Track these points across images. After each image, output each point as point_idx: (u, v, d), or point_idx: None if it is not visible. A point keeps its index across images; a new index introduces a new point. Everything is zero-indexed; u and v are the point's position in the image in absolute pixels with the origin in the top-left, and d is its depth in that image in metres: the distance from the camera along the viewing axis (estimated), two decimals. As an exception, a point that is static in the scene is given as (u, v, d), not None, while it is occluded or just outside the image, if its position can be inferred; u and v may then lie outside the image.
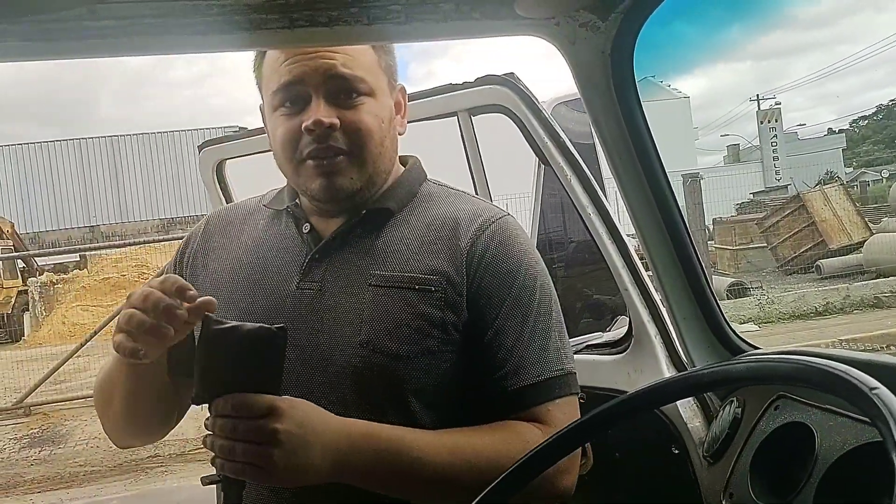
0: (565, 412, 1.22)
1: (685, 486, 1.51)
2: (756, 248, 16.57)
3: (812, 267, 14.73)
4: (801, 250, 15.38)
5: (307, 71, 1.23)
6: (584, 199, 1.69)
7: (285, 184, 1.41)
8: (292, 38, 1.17)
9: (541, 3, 1.20)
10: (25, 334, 18.37)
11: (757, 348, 1.48)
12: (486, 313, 1.23)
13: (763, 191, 24.79)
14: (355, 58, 1.25)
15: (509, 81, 1.72)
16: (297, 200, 1.35)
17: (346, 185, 1.24)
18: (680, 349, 1.58)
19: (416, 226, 1.29)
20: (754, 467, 1.19)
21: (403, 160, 1.39)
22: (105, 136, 31.87)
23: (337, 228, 1.29)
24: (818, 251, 15.13)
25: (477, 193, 1.96)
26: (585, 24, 1.28)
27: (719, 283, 13.06)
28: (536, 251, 1.33)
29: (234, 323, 1.02)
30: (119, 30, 1.10)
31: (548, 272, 1.33)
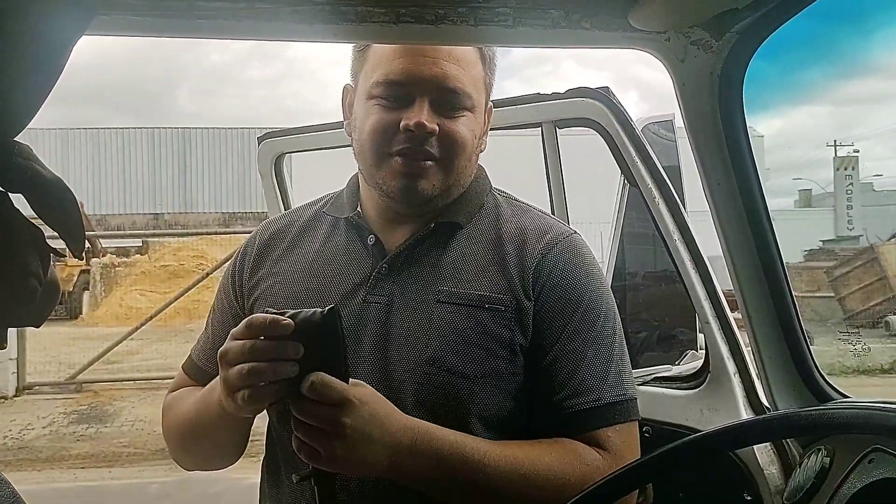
0: (625, 438, 1.19)
1: (755, 535, 1.44)
2: (823, 297, 16.08)
3: (880, 322, 14.23)
4: (870, 304, 14.87)
5: (421, 76, 1.21)
6: (670, 224, 1.63)
7: (342, 189, 1.40)
8: (397, 33, 1.16)
9: (655, 17, 1.16)
10: (83, 313, 18.86)
11: (847, 397, 1.40)
12: (549, 334, 1.20)
13: (834, 239, 24.09)
14: (466, 72, 1.24)
15: (603, 95, 1.68)
16: (358, 210, 1.33)
17: (427, 189, 1.23)
18: (761, 390, 1.51)
19: (484, 241, 1.27)
20: (842, 523, 1.12)
21: None
22: (177, 128, 32.72)
23: (404, 241, 1.27)
24: (888, 306, 14.61)
25: (554, 211, 1.92)
26: (697, 41, 1.24)
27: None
28: (602, 271, 1.30)
29: (289, 312, 1.01)
30: (230, 12, 1.10)
31: (612, 294, 1.30)
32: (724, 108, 1.29)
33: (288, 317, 1.00)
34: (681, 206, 1.64)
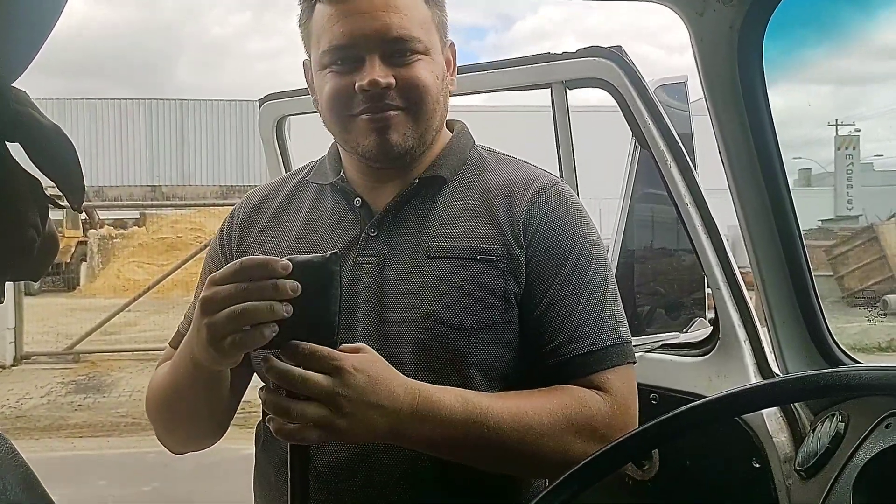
0: (623, 381, 1.18)
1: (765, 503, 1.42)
2: (822, 276, 16.11)
3: (878, 301, 14.27)
4: (869, 283, 14.90)
5: (363, 33, 1.17)
6: (682, 187, 1.59)
7: (324, 156, 1.37)
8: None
9: (675, -34, 1.12)
10: (80, 284, 18.84)
11: (858, 362, 1.37)
12: (542, 281, 1.19)
13: (833, 219, 24.03)
14: (410, 16, 1.19)
15: (615, 55, 1.63)
16: (342, 174, 1.30)
17: (399, 141, 1.20)
18: (772, 356, 1.48)
19: (470, 194, 1.25)
20: (857, 488, 1.10)
21: (450, 125, 1.35)
22: (175, 99, 32.49)
23: (390, 201, 1.25)
24: (886, 286, 14.64)
25: (563, 175, 1.88)
26: (717, -6, 1.20)
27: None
28: (591, 219, 1.28)
29: (286, 257, 0.97)
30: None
31: (602, 241, 1.29)
32: (744, 65, 1.26)
33: (286, 259, 0.97)
34: (693, 169, 1.61)
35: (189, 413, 1.26)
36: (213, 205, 17.85)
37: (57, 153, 0.87)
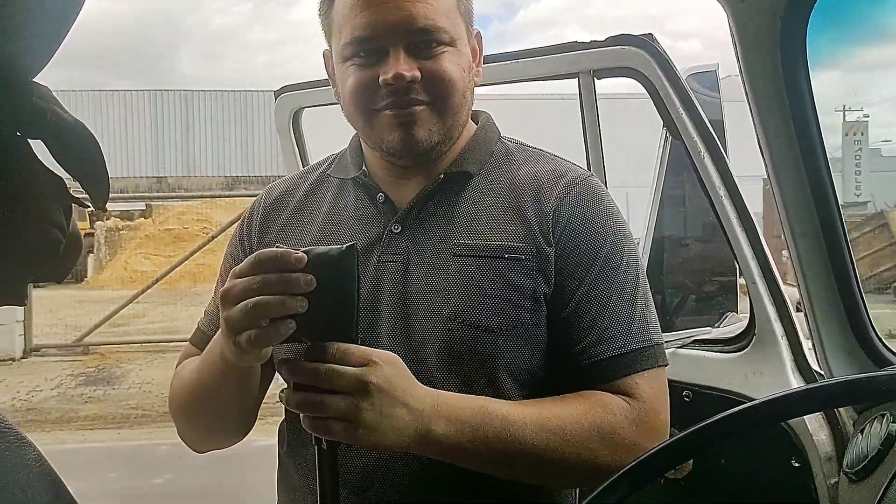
0: (653, 385, 1.14)
1: None
2: (829, 262, 16.03)
3: (888, 288, 14.21)
4: (879, 270, 14.84)
5: (387, 24, 1.12)
6: (715, 178, 1.55)
7: (345, 149, 1.33)
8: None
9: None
10: (88, 276, 18.87)
11: (903, 357, 1.33)
12: (570, 281, 1.15)
13: (842, 205, 23.91)
14: (435, 5, 1.14)
15: (647, 43, 1.58)
16: (364, 169, 1.26)
17: (425, 137, 1.15)
18: (812, 353, 1.44)
19: (497, 189, 1.21)
20: (914, 492, 1.05)
21: (474, 116, 1.29)
22: (179, 90, 32.41)
23: (414, 196, 1.21)
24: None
25: (590, 167, 1.84)
26: (761, -22, 1.15)
27: (789, 294, 12.68)
28: (622, 214, 1.23)
29: (304, 248, 0.94)
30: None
31: (633, 238, 1.24)
32: (786, 53, 1.21)
33: (302, 251, 0.93)
34: (727, 159, 1.56)
35: (217, 411, 1.22)
36: (220, 196, 17.84)
37: (81, 150, 0.84)
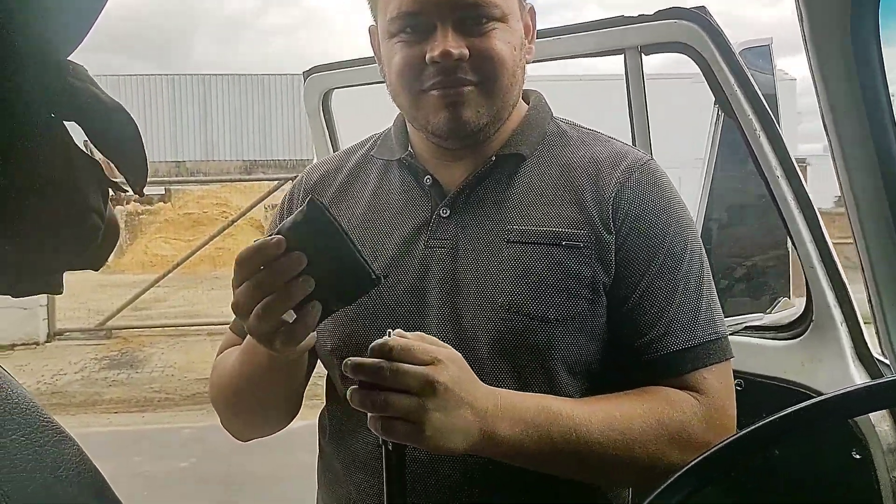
0: (721, 380, 1.09)
1: (865, 497, 1.32)
2: (842, 243, 15.81)
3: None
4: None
5: None
6: (772, 158, 1.47)
7: (388, 129, 1.27)
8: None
9: None
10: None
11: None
12: (633, 272, 1.09)
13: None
14: None
15: (699, 16, 1.50)
16: (410, 150, 1.20)
17: (473, 118, 1.09)
18: (877, 340, 1.37)
19: (551, 172, 1.14)
20: None
21: (525, 96, 1.23)
22: (197, 74, 32.45)
23: (463, 179, 1.15)
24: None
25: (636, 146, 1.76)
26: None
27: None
28: (683, 200, 1.17)
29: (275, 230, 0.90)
30: None
31: (695, 224, 1.19)
32: (856, 25, 1.13)
33: (274, 234, 0.89)
34: (783, 138, 1.49)
35: (264, 400, 1.19)
36: (239, 180, 17.88)
37: (119, 133, 0.79)
